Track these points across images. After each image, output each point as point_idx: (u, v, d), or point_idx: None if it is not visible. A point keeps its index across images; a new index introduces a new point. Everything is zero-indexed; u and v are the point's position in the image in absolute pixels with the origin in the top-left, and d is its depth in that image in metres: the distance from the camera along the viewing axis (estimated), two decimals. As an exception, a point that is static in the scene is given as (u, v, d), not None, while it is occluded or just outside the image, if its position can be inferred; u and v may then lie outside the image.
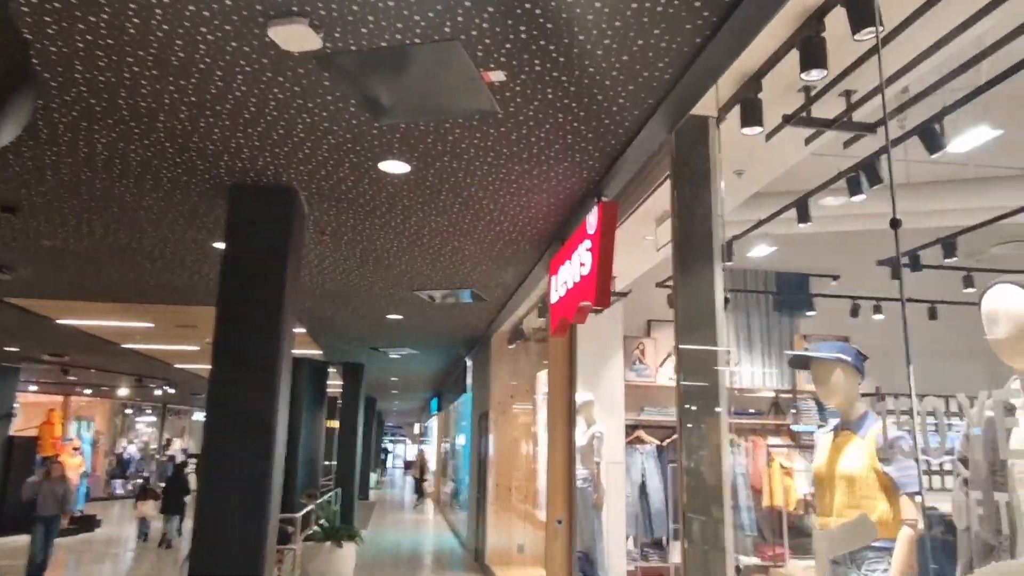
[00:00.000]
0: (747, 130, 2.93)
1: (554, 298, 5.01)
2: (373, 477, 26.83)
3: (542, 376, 9.15)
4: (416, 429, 41.78)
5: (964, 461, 1.98)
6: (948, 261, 5.97)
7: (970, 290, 6.66)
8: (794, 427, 8.04)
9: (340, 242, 5.40)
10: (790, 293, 8.78)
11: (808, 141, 3.29)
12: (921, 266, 6.33)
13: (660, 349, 8.43)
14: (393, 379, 16.30)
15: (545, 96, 3.09)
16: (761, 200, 5.23)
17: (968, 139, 4.45)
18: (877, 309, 8.01)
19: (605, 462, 6.58)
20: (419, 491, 21.20)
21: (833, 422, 2.75)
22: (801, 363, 2.77)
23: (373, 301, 7.61)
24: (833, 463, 2.54)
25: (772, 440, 7.97)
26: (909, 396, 1.72)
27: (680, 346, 3.19)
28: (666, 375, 8.35)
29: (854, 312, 7.92)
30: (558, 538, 5.50)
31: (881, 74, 2.14)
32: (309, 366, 12.73)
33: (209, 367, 4.09)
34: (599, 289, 3.96)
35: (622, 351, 7.77)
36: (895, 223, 1.76)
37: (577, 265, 4.36)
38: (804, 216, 4.89)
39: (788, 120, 3.02)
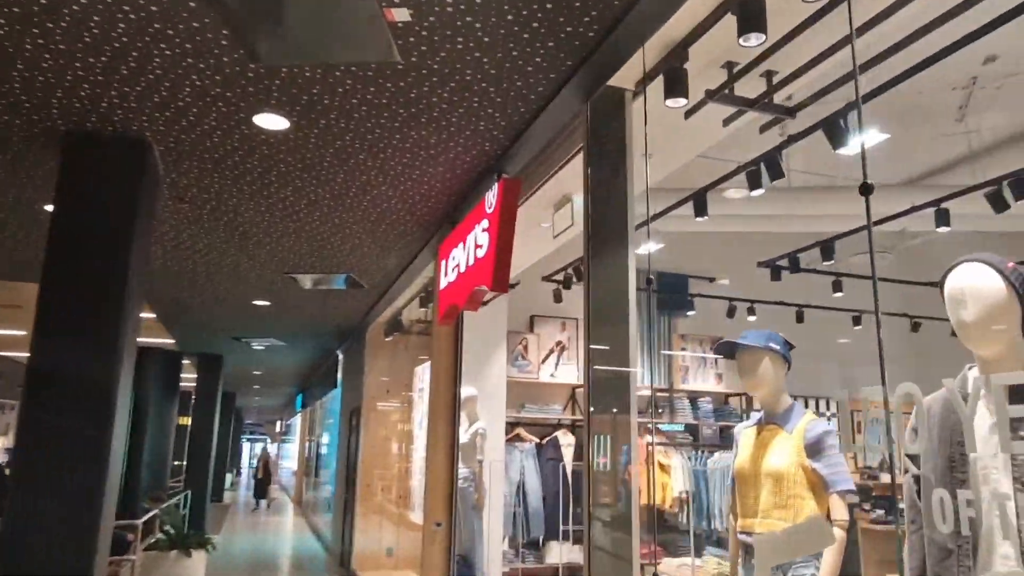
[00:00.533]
0: (671, 102, 2.71)
1: (443, 283, 4.65)
2: (228, 478, 25.16)
3: (420, 371, 8.73)
4: (278, 427, 39.80)
5: (913, 457, 1.80)
6: (825, 264, 6.17)
7: (838, 294, 6.97)
8: (664, 426, 8.13)
9: (201, 211, 4.74)
10: (671, 292, 8.91)
11: (727, 122, 3.14)
12: (800, 268, 6.52)
13: (543, 344, 8.26)
14: (256, 373, 15.24)
15: (454, 45, 2.73)
16: (654, 195, 5.14)
17: (857, 142, 4.65)
18: (751, 311, 8.25)
19: (487, 460, 6.28)
20: (261, 493, 19.53)
21: (756, 416, 2.58)
22: (727, 351, 2.57)
23: (238, 284, 6.90)
24: (758, 460, 2.36)
25: (647, 438, 8.01)
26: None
27: (592, 344, 2.93)
28: (548, 371, 8.19)
29: (730, 313, 8.12)
30: (436, 541, 5.14)
31: (852, 34, 1.96)
32: (160, 357, 11.57)
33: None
34: (496, 272, 3.65)
35: (505, 345, 7.51)
36: (866, 188, 1.55)
37: (472, 247, 4.03)
38: (701, 209, 4.84)
39: (712, 95, 2.85)
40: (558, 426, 7.85)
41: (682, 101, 2.70)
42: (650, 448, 7.38)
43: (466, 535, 5.91)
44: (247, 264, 6.12)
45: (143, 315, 8.27)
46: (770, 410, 2.48)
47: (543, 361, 8.17)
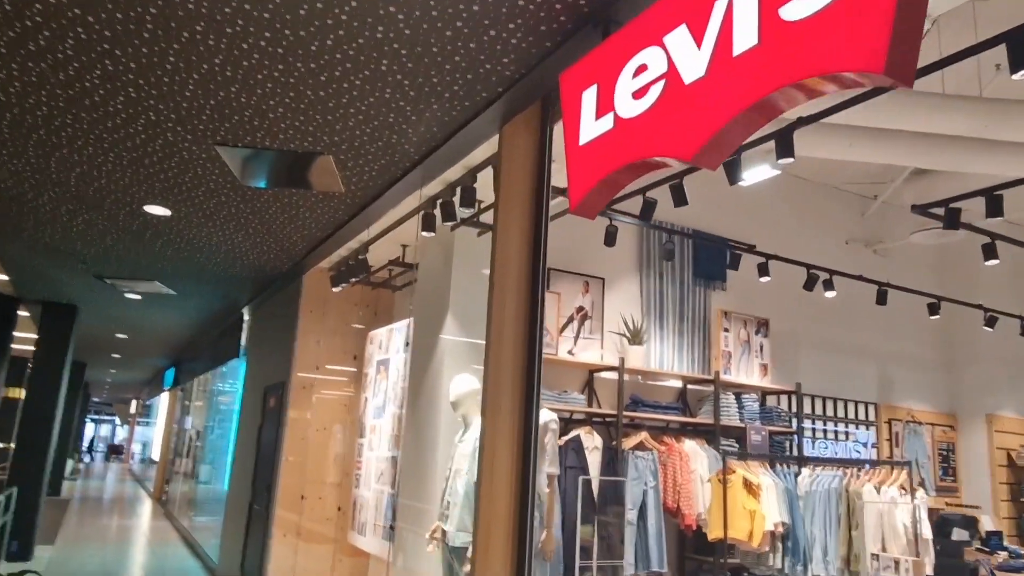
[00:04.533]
0: None
1: (592, 133, 2.34)
2: (69, 464, 21.00)
3: (379, 336, 6.26)
4: (133, 408, 34.91)
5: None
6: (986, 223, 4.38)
7: (992, 262, 5.21)
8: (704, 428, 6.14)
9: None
10: (709, 261, 6.94)
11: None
12: (958, 224, 4.69)
13: (563, 309, 6.05)
14: (119, 336, 11.96)
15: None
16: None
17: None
18: (828, 284, 6.42)
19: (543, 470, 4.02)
20: None
21: None
22: None
23: (125, 171, 4.21)
24: None
25: (688, 443, 5.98)
26: None
27: None
28: (565, 347, 5.99)
29: (808, 284, 6.21)
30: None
31: None
32: (-17, 300, 8.31)
33: None
34: (895, 40, 1.43)
35: None
36: None
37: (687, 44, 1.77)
38: (787, 150, 3.20)
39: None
40: (571, 421, 5.67)
41: None
42: (727, 461, 5.31)
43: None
44: (153, 125, 3.50)
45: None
46: None
47: (562, 331, 5.96)
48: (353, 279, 5.87)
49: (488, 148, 3.66)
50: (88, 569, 8.17)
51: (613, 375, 5.87)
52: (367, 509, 5.86)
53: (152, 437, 27.16)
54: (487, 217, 4.29)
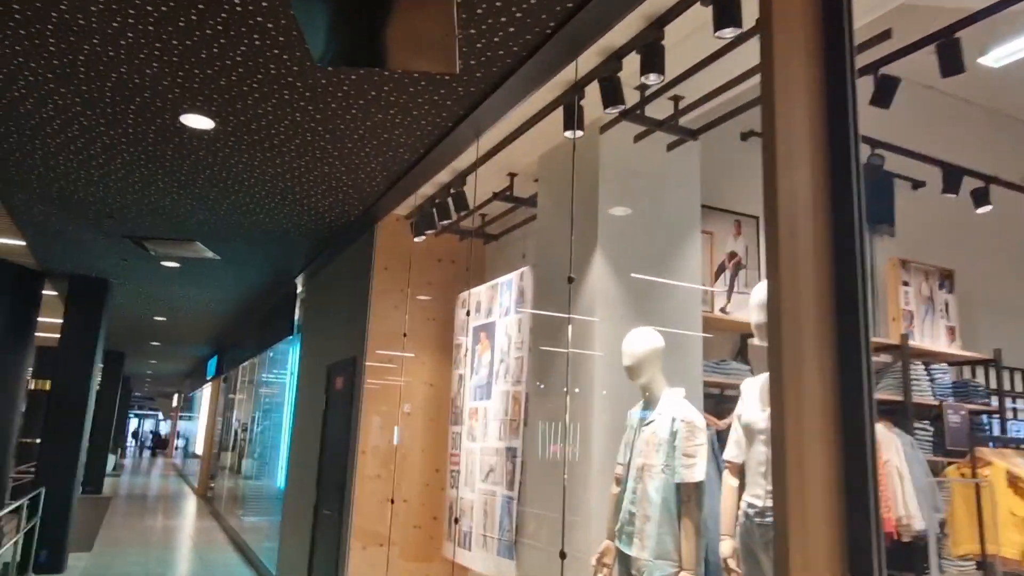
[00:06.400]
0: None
1: None
2: (112, 460, 20.27)
3: (473, 296, 4.98)
4: (175, 401, 34.39)
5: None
6: None
7: None
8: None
9: None
10: (873, 197, 5.52)
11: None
12: None
13: (714, 255, 4.70)
14: (158, 319, 10.89)
15: None
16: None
17: None
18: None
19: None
20: None
21: None
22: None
23: (159, 61, 2.97)
24: None
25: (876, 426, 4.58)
26: None
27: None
28: (718, 303, 4.63)
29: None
30: None
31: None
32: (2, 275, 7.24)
33: None
34: None
35: (699, 236, 3.93)
36: None
37: None
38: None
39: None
40: (724, 400, 4.32)
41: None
42: (977, 452, 3.90)
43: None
44: None
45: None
46: None
47: (717, 276, 4.60)
48: (445, 223, 4.58)
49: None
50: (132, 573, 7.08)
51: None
52: (471, 515, 4.58)
53: (195, 431, 26.45)
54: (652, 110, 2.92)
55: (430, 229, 4.77)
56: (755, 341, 2.66)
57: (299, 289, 7.69)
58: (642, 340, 2.82)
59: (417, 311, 5.29)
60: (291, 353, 8.55)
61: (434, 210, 4.77)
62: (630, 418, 2.99)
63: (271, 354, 9.89)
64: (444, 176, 4.44)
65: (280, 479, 8.08)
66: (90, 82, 3.34)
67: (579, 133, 3.14)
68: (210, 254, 6.42)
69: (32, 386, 13.78)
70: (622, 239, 3.43)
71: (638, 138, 3.45)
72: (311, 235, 5.73)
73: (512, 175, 4.43)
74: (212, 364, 15.89)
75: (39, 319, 8.05)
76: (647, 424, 2.80)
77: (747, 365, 4.52)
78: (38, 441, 7.33)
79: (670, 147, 3.55)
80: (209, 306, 9.39)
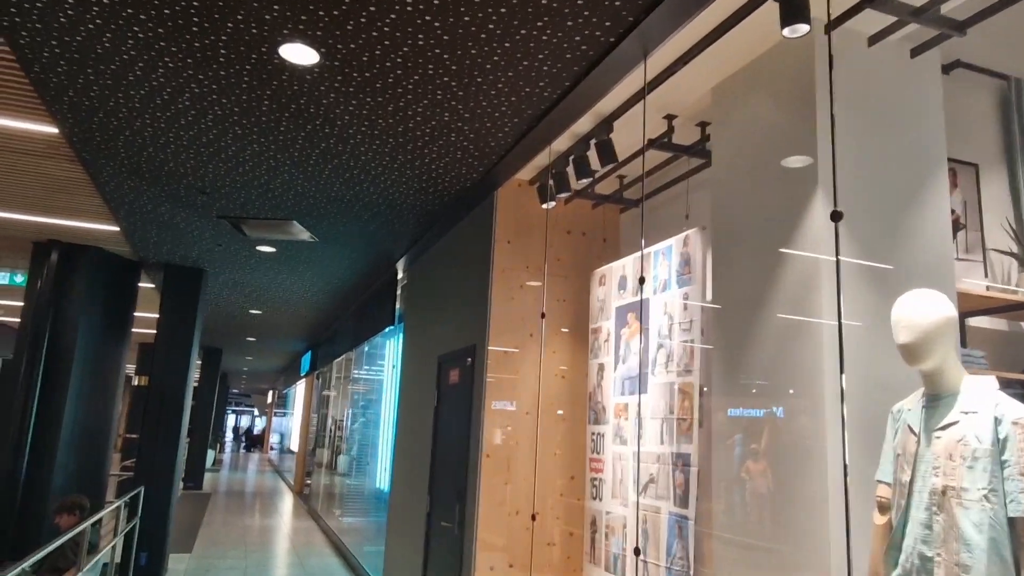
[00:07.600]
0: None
1: None
2: (211, 455, 20.59)
3: (614, 272, 4.18)
4: (269, 398, 35.13)
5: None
6: None
7: None
8: None
9: None
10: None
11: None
12: None
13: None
14: (253, 312, 10.61)
15: None
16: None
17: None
18: None
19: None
20: None
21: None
22: None
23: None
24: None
25: None
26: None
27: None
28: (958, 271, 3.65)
29: None
30: None
31: None
32: (93, 265, 6.94)
33: None
34: None
35: (947, 178, 2.97)
36: None
37: None
38: None
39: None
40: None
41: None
42: None
43: None
44: None
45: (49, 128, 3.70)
46: None
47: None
48: (584, 181, 3.79)
49: None
50: (228, 588, 6.65)
51: (1000, 323, 3.52)
52: (621, 534, 3.78)
53: (289, 427, 26.74)
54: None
55: (562, 193, 3.99)
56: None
57: (400, 275, 7.08)
58: (931, 307, 1.94)
59: (551, 289, 4.53)
60: (387, 346, 7.99)
61: (568, 168, 4.00)
62: (899, 417, 2.12)
63: (366, 348, 9.39)
64: (583, 125, 3.66)
65: (379, 479, 7.52)
66: (174, 4, 2.73)
67: (804, 29, 2.28)
68: (307, 235, 5.87)
69: (136, 382, 13.90)
70: (860, 175, 2.55)
71: (873, 40, 2.56)
72: (419, 208, 5.06)
73: (670, 117, 3.59)
74: (306, 360, 15.71)
75: (142, 315, 7.78)
76: (945, 428, 1.92)
77: (980, 352, 3.54)
78: (138, 439, 7.00)
79: (914, 52, 2.63)
80: (304, 296, 8.96)
